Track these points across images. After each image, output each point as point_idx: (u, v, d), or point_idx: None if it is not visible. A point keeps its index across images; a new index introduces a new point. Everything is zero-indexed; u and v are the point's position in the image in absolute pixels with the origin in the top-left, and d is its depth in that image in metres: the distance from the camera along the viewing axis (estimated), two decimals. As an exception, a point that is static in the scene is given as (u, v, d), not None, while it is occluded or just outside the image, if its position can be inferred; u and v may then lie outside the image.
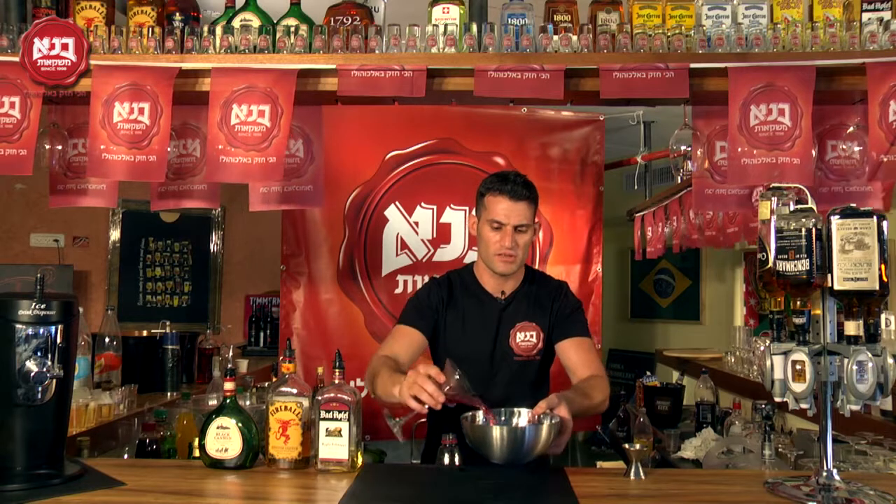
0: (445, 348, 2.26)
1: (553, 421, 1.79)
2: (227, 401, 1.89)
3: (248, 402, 2.81)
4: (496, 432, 1.74)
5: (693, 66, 2.19)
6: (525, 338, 2.25)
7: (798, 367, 1.66)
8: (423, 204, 3.93)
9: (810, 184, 2.02)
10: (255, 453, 1.88)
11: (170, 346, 3.19)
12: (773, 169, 2.17)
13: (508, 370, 2.24)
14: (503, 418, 1.89)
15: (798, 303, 1.69)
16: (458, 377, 1.81)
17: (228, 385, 1.91)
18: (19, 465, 1.73)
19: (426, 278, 3.87)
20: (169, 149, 2.29)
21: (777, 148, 2.18)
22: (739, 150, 2.20)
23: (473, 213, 2.33)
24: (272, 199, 2.50)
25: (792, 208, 1.73)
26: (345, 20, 2.35)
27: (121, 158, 2.23)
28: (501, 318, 2.27)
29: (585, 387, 2.10)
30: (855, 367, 1.63)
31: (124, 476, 1.77)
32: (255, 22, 2.34)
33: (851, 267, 1.64)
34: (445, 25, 2.26)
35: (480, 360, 2.23)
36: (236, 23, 2.33)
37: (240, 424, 1.85)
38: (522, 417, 1.89)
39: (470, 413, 1.85)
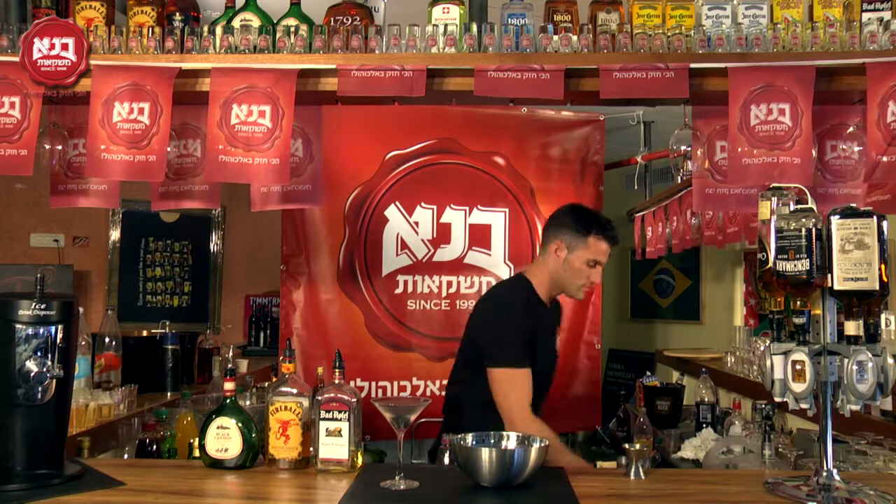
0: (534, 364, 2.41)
1: (542, 444, 1.79)
2: (227, 401, 1.89)
3: (248, 402, 2.80)
4: (485, 454, 1.71)
5: (693, 66, 2.19)
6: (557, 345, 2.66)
7: (798, 367, 1.67)
8: (423, 204, 3.93)
9: (809, 184, 2.01)
10: (255, 453, 1.89)
11: (170, 346, 3.18)
12: (773, 168, 2.17)
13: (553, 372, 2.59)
14: (492, 441, 1.86)
15: (798, 303, 1.70)
16: None
17: (228, 385, 1.91)
18: (19, 465, 1.73)
19: (426, 278, 3.88)
20: (169, 149, 2.29)
21: (777, 147, 2.18)
22: (740, 149, 2.19)
23: (557, 240, 2.53)
24: (273, 200, 2.50)
25: (792, 208, 1.73)
26: (345, 20, 2.35)
27: (120, 158, 2.23)
28: (553, 324, 2.60)
29: None
30: (855, 367, 1.63)
31: (124, 476, 1.77)
32: (255, 22, 2.33)
33: (851, 267, 1.64)
34: (445, 25, 2.26)
35: (552, 367, 2.54)
36: (236, 23, 2.33)
37: (240, 424, 1.85)
38: (511, 440, 1.87)
39: (459, 435, 1.83)
